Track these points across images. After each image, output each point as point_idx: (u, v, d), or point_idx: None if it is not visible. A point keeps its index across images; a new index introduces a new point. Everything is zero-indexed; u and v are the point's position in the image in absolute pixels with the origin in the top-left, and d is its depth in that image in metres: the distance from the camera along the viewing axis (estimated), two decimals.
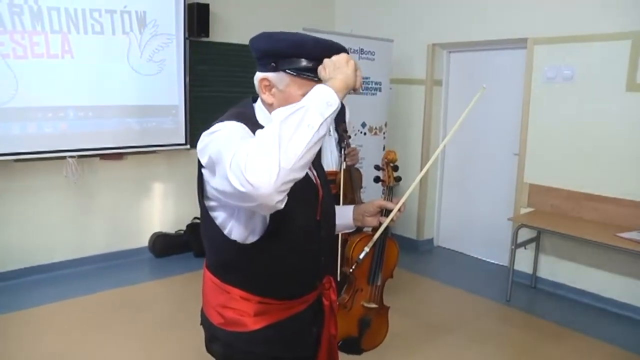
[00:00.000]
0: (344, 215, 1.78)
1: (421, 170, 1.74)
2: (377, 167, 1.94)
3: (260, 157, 1.13)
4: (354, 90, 1.35)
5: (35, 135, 4.44)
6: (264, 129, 1.19)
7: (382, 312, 1.83)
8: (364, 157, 4.95)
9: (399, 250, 1.82)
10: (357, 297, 1.74)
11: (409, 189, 1.66)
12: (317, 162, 1.65)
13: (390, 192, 1.82)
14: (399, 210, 1.66)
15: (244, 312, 1.50)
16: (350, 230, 1.83)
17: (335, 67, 1.32)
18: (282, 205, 1.19)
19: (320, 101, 1.22)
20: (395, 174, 1.89)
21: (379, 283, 1.76)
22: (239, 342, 1.54)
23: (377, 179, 1.93)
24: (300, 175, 1.19)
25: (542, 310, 4.47)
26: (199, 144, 1.36)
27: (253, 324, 1.51)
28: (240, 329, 1.52)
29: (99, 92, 4.75)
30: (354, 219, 1.77)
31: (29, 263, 4.77)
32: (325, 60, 1.35)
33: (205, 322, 1.63)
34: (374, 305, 1.74)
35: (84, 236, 5.09)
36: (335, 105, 1.24)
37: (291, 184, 1.18)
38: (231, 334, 1.54)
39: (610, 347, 3.83)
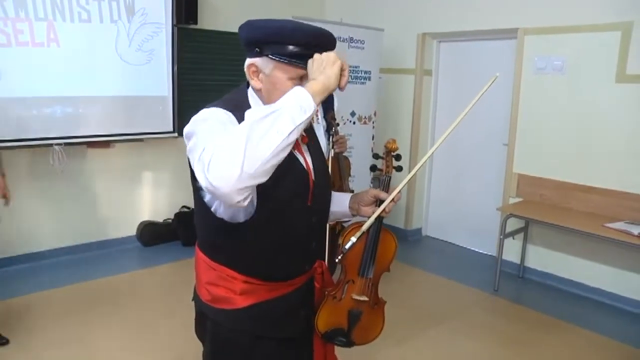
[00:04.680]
0: (341, 203, 1.78)
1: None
2: (375, 156, 1.90)
3: (224, 158, 1.16)
4: (339, 88, 1.36)
5: (20, 123, 4.36)
6: (236, 128, 1.21)
7: (377, 307, 1.80)
8: (352, 146, 4.94)
9: (397, 243, 1.78)
10: (348, 289, 1.72)
11: (404, 180, 1.63)
12: (316, 149, 1.66)
13: (388, 182, 1.78)
14: (393, 200, 1.64)
15: (230, 290, 1.52)
16: (348, 219, 1.82)
17: (319, 67, 1.32)
18: (244, 204, 1.23)
19: (294, 106, 1.23)
20: (397, 164, 1.86)
21: (370, 276, 1.72)
22: (226, 320, 1.57)
23: (373, 168, 1.89)
24: (264, 179, 1.21)
25: (529, 300, 4.49)
26: (186, 128, 1.38)
27: (239, 302, 1.53)
28: (227, 306, 1.54)
29: (86, 82, 4.66)
30: (349, 207, 1.76)
31: (15, 252, 4.73)
32: (315, 56, 1.35)
33: (195, 298, 1.66)
34: (364, 298, 1.71)
35: (71, 225, 5.05)
36: (310, 111, 1.24)
37: (253, 186, 1.21)
38: (218, 311, 1.57)
39: (598, 337, 3.86)
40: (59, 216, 4.96)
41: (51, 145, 4.61)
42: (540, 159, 4.78)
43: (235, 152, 1.15)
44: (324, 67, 1.32)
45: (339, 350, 1.86)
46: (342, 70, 1.35)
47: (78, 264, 4.86)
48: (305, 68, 1.37)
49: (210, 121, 1.34)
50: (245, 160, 1.15)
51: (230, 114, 1.37)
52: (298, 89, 1.27)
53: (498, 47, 5.24)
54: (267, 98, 1.45)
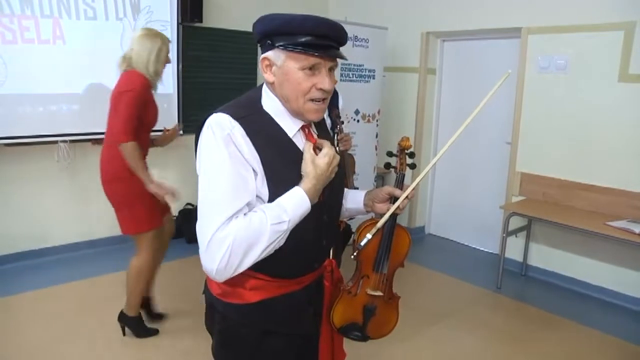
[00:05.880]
0: (356, 200, 1.79)
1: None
2: (389, 154, 1.91)
3: (231, 260, 1.34)
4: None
5: (26, 120, 4.40)
6: (253, 225, 1.36)
7: (391, 302, 1.82)
8: (356, 144, 4.95)
9: (411, 239, 1.80)
10: (362, 284, 1.73)
11: (418, 178, 1.65)
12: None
13: (402, 179, 1.79)
14: (407, 197, 1.65)
15: (240, 285, 1.53)
16: (363, 215, 1.83)
17: (313, 174, 1.46)
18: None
19: (299, 215, 1.43)
20: (410, 161, 1.86)
21: (385, 271, 1.74)
22: (235, 314, 1.57)
23: (387, 165, 1.90)
24: None
25: (532, 298, 4.52)
26: (199, 144, 1.45)
27: (249, 297, 1.54)
28: (236, 300, 1.55)
29: (91, 80, 4.69)
30: (364, 204, 1.77)
31: (21, 248, 4.76)
32: (307, 159, 1.47)
33: (206, 291, 1.67)
34: (379, 293, 1.72)
35: (76, 221, 5.07)
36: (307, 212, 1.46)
37: None
38: (228, 305, 1.57)
39: (599, 334, 3.88)
40: (63, 213, 4.98)
41: (56, 142, 4.65)
42: (543, 158, 4.80)
43: (246, 253, 1.36)
44: (316, 173, 1.46)
45: (347, 348, 1.88)
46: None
47: (82, 260, 4.89)
48: (316, 56, 1.40)
49: (221, 172, 1.39)
50: (251, 260, 1.38)
51: (236, 124, 1.40)
52: (303, 199, 1.43)
53: (501, 46, 5.25)
54: (279, 90, 1.47)
